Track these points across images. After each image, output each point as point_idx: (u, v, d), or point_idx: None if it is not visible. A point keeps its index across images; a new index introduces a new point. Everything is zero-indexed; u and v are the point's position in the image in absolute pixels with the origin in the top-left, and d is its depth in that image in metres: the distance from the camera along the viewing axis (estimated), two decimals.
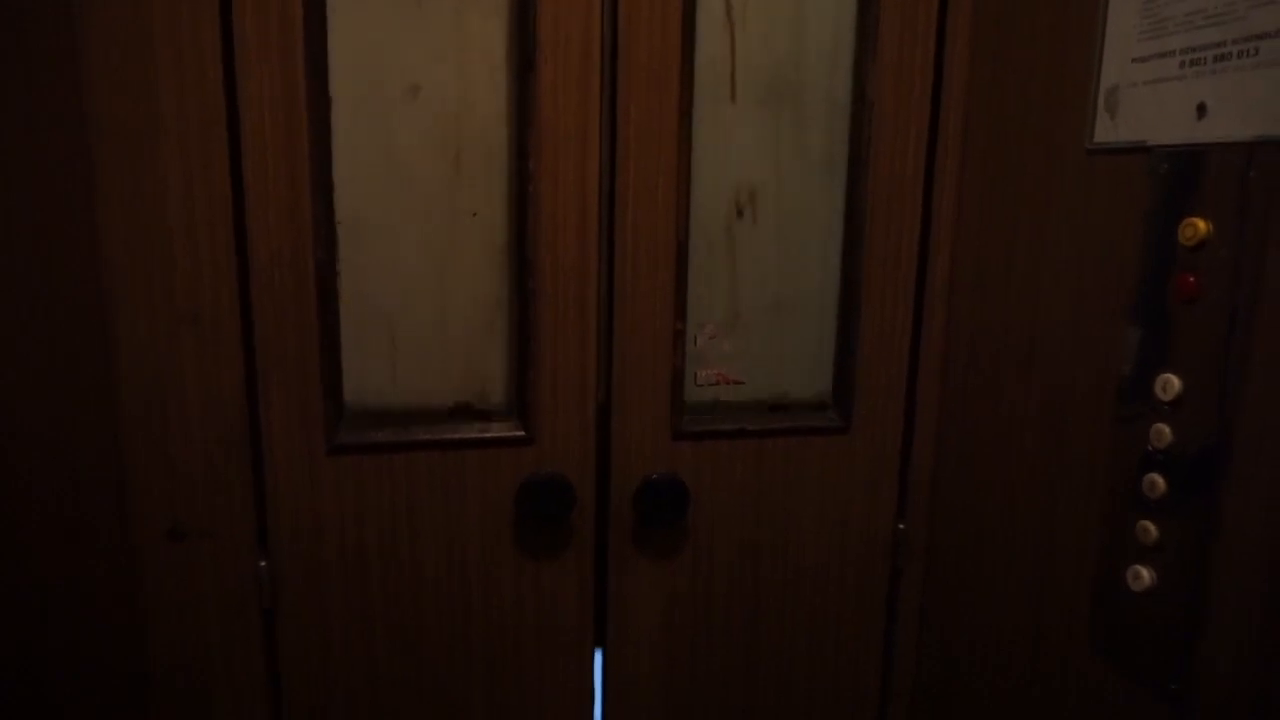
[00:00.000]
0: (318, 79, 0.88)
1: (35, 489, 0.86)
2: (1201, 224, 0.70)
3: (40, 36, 0.81)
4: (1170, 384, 0.73)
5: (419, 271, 0.96)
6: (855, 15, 1.01)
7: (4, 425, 0.85)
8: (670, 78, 0.95)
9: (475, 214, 0.97)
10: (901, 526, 1.12)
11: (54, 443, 0.86)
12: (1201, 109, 0.71)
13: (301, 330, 0.92)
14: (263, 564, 0.95)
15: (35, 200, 0.82)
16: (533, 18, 0.91)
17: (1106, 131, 0.81)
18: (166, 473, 0.91)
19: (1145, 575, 0.76)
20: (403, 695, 1.03)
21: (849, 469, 1.09)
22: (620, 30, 0.93)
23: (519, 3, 0.92)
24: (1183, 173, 0.73)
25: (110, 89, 0.83)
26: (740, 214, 1.02)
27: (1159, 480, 0.75)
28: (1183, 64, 0.72)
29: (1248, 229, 0.67)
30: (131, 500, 0.91)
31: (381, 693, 1.02)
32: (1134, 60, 0.77)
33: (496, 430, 1.00)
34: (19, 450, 0.85)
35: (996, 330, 0.98)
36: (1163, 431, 0.74)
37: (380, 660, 1.02)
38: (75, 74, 0.82)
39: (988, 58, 0.99)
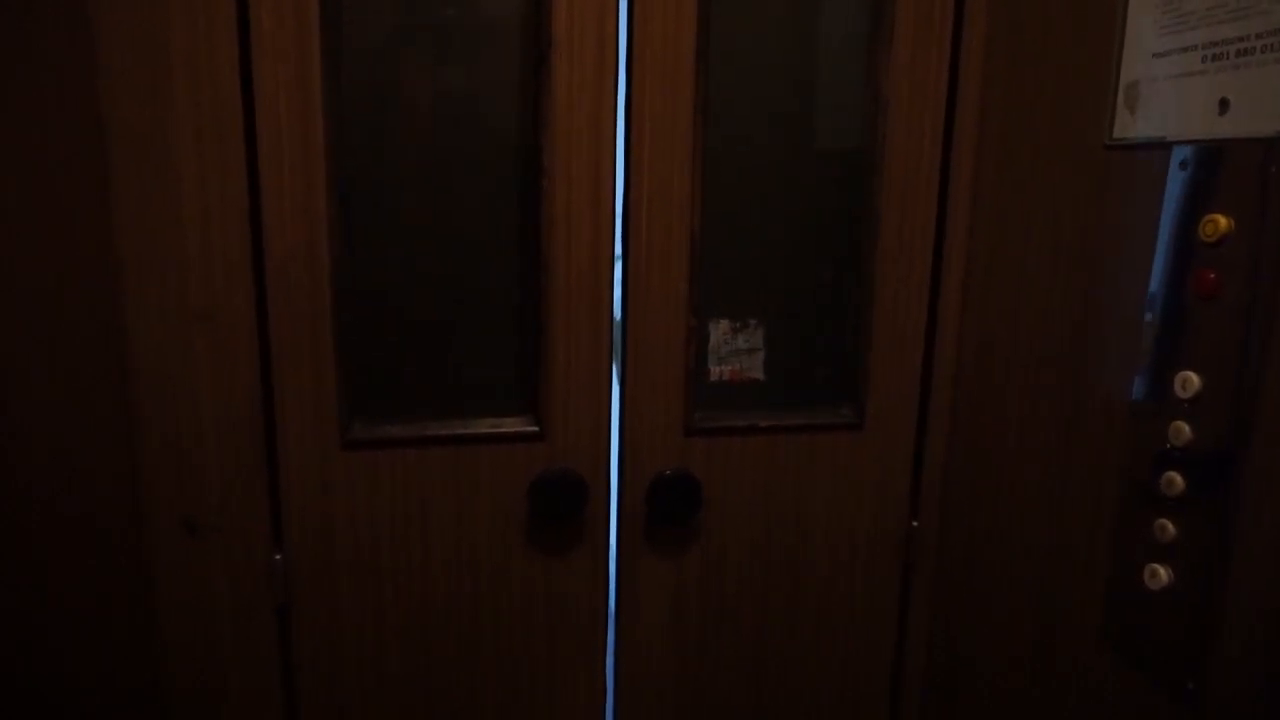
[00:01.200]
0: (334, 74, 0.88)
1: (47, 488, 0.87)
2: (1222, 220, 0.69)
3: (55, 40, 0.81)
4: (1189, 381, 0.72)
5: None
6: (870, 13, 1.00)
7: (16, 424, 0.85)
8: (685, 72, 0.95)
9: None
10: (915, 524, 1.12)
11: (66, 441, 0.87)
12: (1224, 104, 0.70)
13: (316, 326, 0.92)
14: (277, 558, 0.96)
15: (50, 201, 0.83)
16: (547, 12, 0.91)
17: (1126, 127, 0.80)
18: (180, 469, 0.92)
19: (1163, 573, 0.75)
20: (414, 691, 1.03)
21: (862, 465, 1.09)
22: (635, 25, 0.93)
23: None
24: (1204, 168, 0.72)
25: (125, 91, 0.83)
26: None
27: (1177, 478, 0.74)
28: (1205, 59, 0.72)
29: (1269, 224, 0.66)
30: (144, 497, 0.91)
31: (393, 688, 1.03)
32: (1155, 55, 0.77)
33: (509, 426, 1.00)
34: (31, 449, 0.86)
35: (1011, 325, 0.98)
36: (1181, 429, 0.73)
37: (392, 656, 1.02)
38: (90, 77, 0.82)
39: (1004, 54, 0.98)
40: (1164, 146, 0.76)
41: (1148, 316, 0.78)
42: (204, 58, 0.85)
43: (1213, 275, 0.71)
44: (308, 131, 0.88)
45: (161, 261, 0.87)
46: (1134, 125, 0.79)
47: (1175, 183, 0.75)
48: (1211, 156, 0.71)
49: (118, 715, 0.94)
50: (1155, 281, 0.77)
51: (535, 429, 1.00)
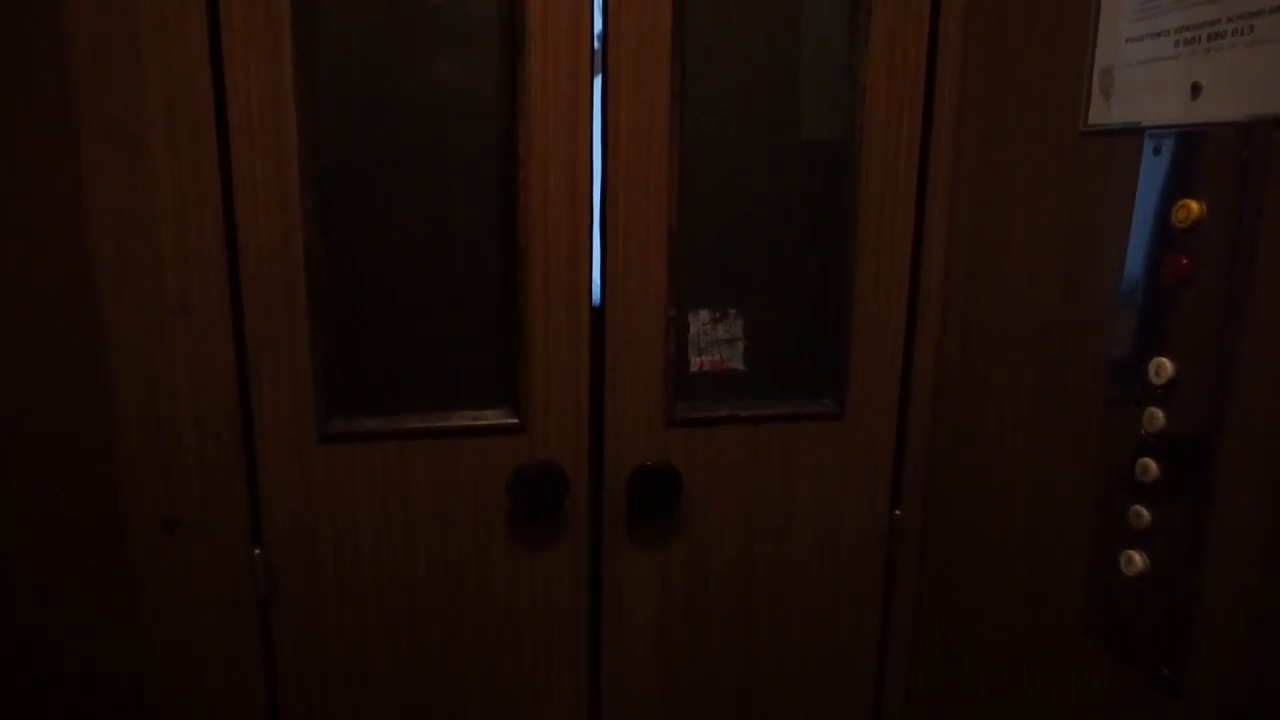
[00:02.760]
0: (305, 67, 0.88)
1: (27, 486, 0.86)
2: (1195, 205, 0.69)
3: (26, 34, 0.80)
4: (1163, 367, 0.72)
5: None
6: (847, 1, 0.99)
7: None
8: (661, 62, 0.94)
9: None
10: (897, 513, 1.12)
11: (45, 439, 0.86)
12: (1196, 89, 0.70)
13: (292, 320, 0.92)
14: (257, 553, 0.95)
15: (23, 197, 0.82)
16: (521, 3, 0.90)
17: (1101, 113, 0.80)
18: (159, 465, 0.91)
19: (1138, 560, 0.76)
20: (398, 685, 1.03)
21: (843, 456, 1.09)
22: (610, 14, 0.92)
23: None
24: (1177, 153, 0.72)
25: (97, 84, 0.83)
26: None
27: (1151, 464, 0.74)
28: (1177, 43, 0.71)
29: (1241, 209, 0.66)
30: (124, 493, 0.91)
31: (377, 683, 1.03)
32: (1128, 40, 0.76)
33: (489, 418, 1.00)
34: (9, 447, 0.85)
35: (990, 315, 0.98)
36: (1155, 415, 0.73)
37: (375, 649, 1.02)
38: (62, 70, 0.82)
39: (981, 41, 0.98)
40: (1138, 132, 0.76)
41: (1123, 303, 0.78)
42: (175, 53, 0.84)
43: (1186, 261, 0.70)
44: (280, 126, 0.87)
45: (137, 257, 0.87)
46: (1108, 111, 0.79)
47: (1149, 168, 0.75)
48: (1184, 142, 0.71)
49: (102, 713, 0.94)
50: (1130, 268, 0.77)
51: (515, 421, 1.00)
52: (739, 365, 1.06)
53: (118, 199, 0.85)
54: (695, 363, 1.05)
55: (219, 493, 0.94)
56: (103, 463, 0.90)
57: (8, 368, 0.84)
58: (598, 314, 0.99)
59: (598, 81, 0.94)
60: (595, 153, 0.95)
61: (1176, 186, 0.72)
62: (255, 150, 0.87)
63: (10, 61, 0.80)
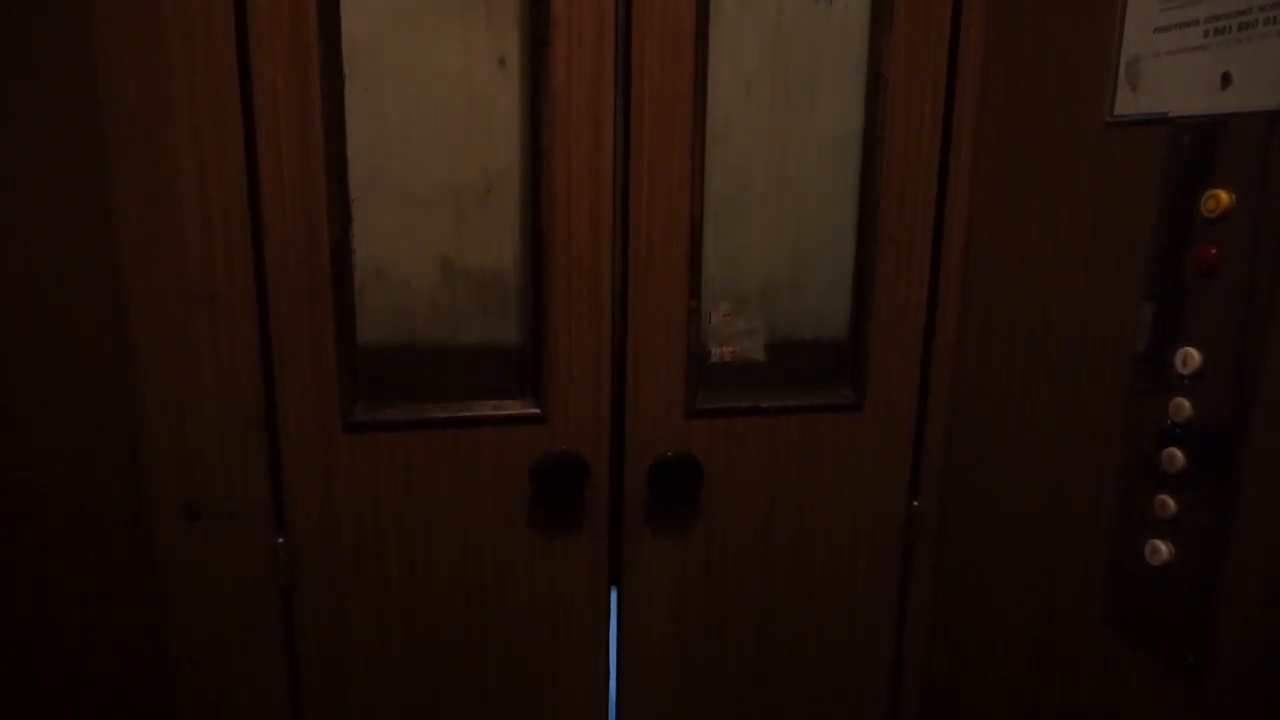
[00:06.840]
0: (331, 57, 0.88)
1: (50, 477, 0.86)
2: (1224, 195, 0.69)
3: (52, 21, 0.80)
4: (1190, 357, 0.72)
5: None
6: None
7: (18, 414, 0.84)
8: (684, 53, 0.94)
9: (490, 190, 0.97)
10: (916, 504, 1.12)
11: (68, 428, 0.87)
12: (1226, 78, 0.70)
13: (316, 309, 0.92)
14: (280, 541, 0.96)
15: (49, 184, 0.82)
16: None
17: (1127, 104, 0.80)
18: (182, 453, 0.92)
19: (1163, 549, 0.76)
20: (417, 674, 1.04)
21: (862, 446, 1.09)
22: (634, 4, 0.92)
23: None
24: (1205, 143, 0.72)
25: (122, 72, 0.83)
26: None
27: (1178, 454, 0.74)
28: (1207, 33, 0.71)
29: (1271, 199, 0.66)
30: (148, 481, 0.91)
31: (397, 671, 1.03)
32: (1156, 30, 0.76)
33: (511, 408, 1.00)
34: (32, 437, 0.85)
35: (1011, 305, 0.98)
36: (1182, 405, 0.74)
37: (395, 638, 1.02)
38: (87, 58, 0.82)
39: (1004, 31, 0.98)
40: (1166, 122, 0.76)
41: (1148, 293, 0.78)
42: (200, 42, 0.84)
43: (1214, 251, 0.71)
44: (305, 114, 0.88)
45: (162, 245, 0.87)
46: (1135, 102, 0.79)
47: (1177, 158, 0.75)
48: (1214, 131, 0.71)
49: (124, 702, 0.94)
50: (1156, 258, 0.77)
51: (537, 411, 1.00)
52: (759, 356, 1.06)
53: (141, 186, 0.85)
54: (715, 353, 1.05)
55: (242, 481, 0.94)
56: (126, 450, 0.90)
57: (32, 356, 0.84)
58: (619, 304, 0.99)
59: (620, 72, 0.94)
60: (617, 143, 0.95)
61: (1204, 177, 0.72)
62: (281, 140, 0.88)
63: (38, 51, 0.80)
